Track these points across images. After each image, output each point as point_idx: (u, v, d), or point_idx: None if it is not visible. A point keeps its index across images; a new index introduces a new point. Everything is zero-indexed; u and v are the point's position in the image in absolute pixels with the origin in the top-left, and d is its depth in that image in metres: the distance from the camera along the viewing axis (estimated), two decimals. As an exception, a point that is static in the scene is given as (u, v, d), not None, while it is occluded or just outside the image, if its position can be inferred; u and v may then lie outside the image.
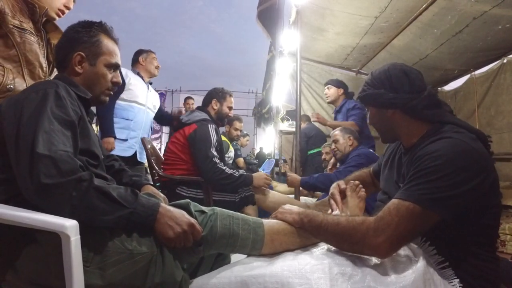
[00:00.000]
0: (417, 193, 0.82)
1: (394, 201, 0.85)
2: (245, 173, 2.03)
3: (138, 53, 2.75)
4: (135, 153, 2.53)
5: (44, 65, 1.35)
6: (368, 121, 1.15)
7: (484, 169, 0.84)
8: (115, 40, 1.15)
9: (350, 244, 0.85)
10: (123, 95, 2.50)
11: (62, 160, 0.79)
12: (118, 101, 2.46)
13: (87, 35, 1.07)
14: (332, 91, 3.22)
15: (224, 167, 1.99)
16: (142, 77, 2.68)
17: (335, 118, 3.28)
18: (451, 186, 0.80)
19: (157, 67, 2.75)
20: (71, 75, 1.07)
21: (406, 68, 1.02)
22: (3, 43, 1.21)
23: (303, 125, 4.56)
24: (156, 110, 2.85)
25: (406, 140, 1.05)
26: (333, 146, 2.54)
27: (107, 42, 1.11)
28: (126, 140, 2.45)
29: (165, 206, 0.89)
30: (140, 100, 2.60)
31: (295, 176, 2.23)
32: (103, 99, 1.15)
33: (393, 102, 1.00)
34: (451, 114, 1.00)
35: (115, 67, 1.13)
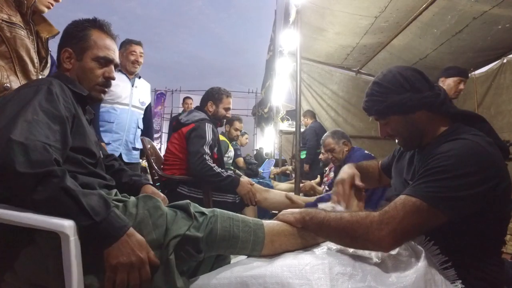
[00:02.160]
0: (425, 190, 0.81)
1: (401, 196, 0.84)
2: (233, 176, 2.01)
3: (119, 46, 2.44)
4: (120, 155, 2.39)
5: (36, 60, 1.30)
6: (381, 134, 1.06)
7: (497, 175, 0.82)
8: (110, 35, 1.11)
9: (353, 238, 0.84)
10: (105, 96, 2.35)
11: (34, 150, 0.75)
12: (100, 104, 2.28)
13: (75, 30, 1.07)
14: (447, 83, 2.62)
15: (213, 165, 1.98)
16: (125, 74, 2.47)
17: None
18: (460, 187, 0.79)
19: (134, 62, 2.47)
20: (64, 72, 1.07)
21: (413, 67, 1.00)
22: None
23: (309, 122, 4.51)
24: (145, 106, 2.60)
25: (424, 139, 1.01)
26: (330, 156, 2.44)
27: (97, 36, 1.07)
28: (108, 143, 2.32)
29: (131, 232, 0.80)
30: (123, 100, 2.41)
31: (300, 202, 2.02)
32: (94, 96, 1.10)
33: (424, 102, 0.95)
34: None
35: (105, 61, 1.08)
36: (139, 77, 2.60)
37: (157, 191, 1.28)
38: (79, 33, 1.06)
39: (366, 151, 2.41)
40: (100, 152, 1.12)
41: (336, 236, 0.88)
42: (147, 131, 2.74)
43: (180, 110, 8.25)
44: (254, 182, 2.08)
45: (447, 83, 2.70)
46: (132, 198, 0.92)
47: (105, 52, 1.08)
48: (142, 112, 2.62)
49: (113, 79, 1.12)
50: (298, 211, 0.98)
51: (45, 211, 0.74)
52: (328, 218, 0.88)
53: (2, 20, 1.17)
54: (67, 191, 0.75)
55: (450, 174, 0.80)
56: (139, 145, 2.54)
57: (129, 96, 2.47)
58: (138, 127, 2.57)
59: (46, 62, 1.37)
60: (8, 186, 0.74)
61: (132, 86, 2.51)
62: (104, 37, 1.09)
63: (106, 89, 1.12)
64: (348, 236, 0.85)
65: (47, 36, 1.34)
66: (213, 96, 2.28)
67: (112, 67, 1.11)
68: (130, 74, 2.52)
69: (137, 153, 2.59)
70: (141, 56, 2.54)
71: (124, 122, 2.43)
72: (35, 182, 0.73)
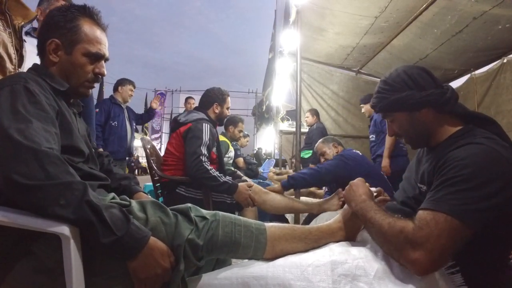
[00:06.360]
0: (451, 203, 0.77)
1: (428, 212, 0.78)
2: (230, 182, 1.95)
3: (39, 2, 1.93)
4: None
5: (14, 56, 1.19)
6: (388, 133, 1.07)
7: None
8: (101, 27, 1.02)
9: (389, 251, 0.82)
10: None
11: (47, 158, 0.72)
12: None
13: (63, 20, 0.96)
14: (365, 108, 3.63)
15: (210, 167, 1.94)
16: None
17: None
18: (484, 197, 0.76)
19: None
20: (48, 64, 0.98)
21: (421, 66, 0.99)
22: None
23: (312, 120, 4.45)
24: None
25: (433, 139, 0.99)
26: (322, 160, 2.51)
27: (88, 29, 0.98)
28: None
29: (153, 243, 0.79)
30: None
31: (275, 187, 2.09)
32: (82, 92, 1.03)
33: (427, 99, 0.93)
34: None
35: (97, 57, 1.00)
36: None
37: (151, 198, 1.24)
38: (68, 24, 0.96)
39: (354, 150, 2.44)
40: (91, 147, 1.06)
41: (377, 242, 0.86)
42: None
43: (181, 110, 8.23)
44: (253, 183, 2.05)
45: (365, 108, 3.66)
46: (134, 203, 0.89)
47: (96, 47, 0.99)
48: None
49: (104, 75, 1.04)
50: (360, 199, 0.96)
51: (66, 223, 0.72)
52: (373, 220, 0.86)
53: None
54: (90, 204, 0.72)
55: (472, 184, 0.77)
56: None
57: None
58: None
59: (22, 56, 1.25)
60: (24, 197, 0.71)
61: None
62: (95, 29, 1.00)
63: (94, 85, 1.05)
64: (384, 246, 0.83)
65: (22, 24, 1.21)
66: (218, 97, 2.27)
67: (103, 62, 1.03)
68: None
69: None
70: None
71: None
72: (56, 195, 0.71)
